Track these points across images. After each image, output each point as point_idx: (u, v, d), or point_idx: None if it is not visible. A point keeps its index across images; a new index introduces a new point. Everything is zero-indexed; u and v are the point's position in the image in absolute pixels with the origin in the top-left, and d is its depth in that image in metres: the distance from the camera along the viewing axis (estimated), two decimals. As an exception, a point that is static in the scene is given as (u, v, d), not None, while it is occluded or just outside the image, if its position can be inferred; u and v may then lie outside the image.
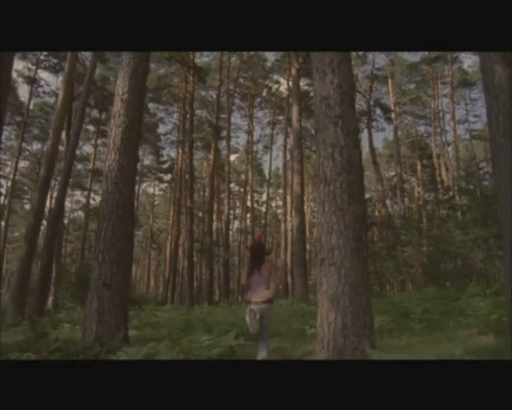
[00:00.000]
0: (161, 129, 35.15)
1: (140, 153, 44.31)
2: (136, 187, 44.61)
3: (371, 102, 29.25)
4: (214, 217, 34.59)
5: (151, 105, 33.41)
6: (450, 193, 18.02)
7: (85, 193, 34.49)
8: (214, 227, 35.69)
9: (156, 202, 53.62)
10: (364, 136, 33.22)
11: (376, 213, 44.69)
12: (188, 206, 21.64)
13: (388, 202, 37.62)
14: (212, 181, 26.98)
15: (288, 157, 34.70)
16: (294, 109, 18.73)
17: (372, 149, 30.18)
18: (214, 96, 31.55)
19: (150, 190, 52.04)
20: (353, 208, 3.25)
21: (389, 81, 34.15)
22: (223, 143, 34.98)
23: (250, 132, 39.02)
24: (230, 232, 44.70)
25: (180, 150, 30.84)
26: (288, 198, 32.93)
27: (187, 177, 25.37)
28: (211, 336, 3.85)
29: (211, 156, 28.28)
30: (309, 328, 5.53)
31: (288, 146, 34.61)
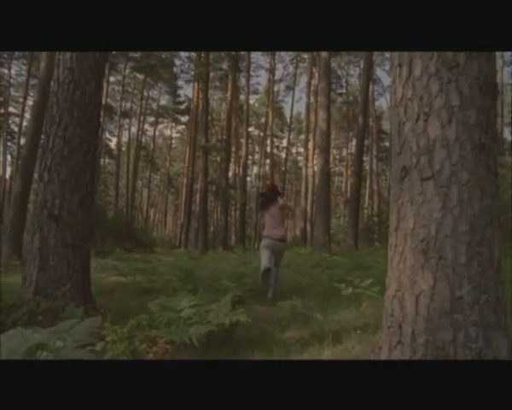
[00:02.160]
0: (177, 68, 32.80)
1: (155, 92, 42.42)
2: (152, 128, 43.18)
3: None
4: (232, 161, 32.98)
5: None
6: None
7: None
8: (232, 172, 34.18)
9: (174, 146, 52.21)
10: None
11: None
12: (202, 144, 19.97)
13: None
14: (230, 119, 25.03)
15: (312, 99, 32.27)
16: (323, 35, 16.34)
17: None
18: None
19: (167, 133, 50.48)
20: (478, 66, 1.59)
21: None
22: (242, 82, 32.62)
23: (272, 70, 36.33)
24: (249, 178, 43.21)
25: (196, 86, 28.65)
26: (310, 144, 30.87)
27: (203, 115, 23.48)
28: (194, 300, 2.37)
29: (229, 93, 26.11)
30: (345, 286, 3.97)
31: (312, 87, 32.06)
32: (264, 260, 4.61)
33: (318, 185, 15.17)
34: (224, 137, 26.26)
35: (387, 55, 37.54)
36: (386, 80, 39.41)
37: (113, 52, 31.14)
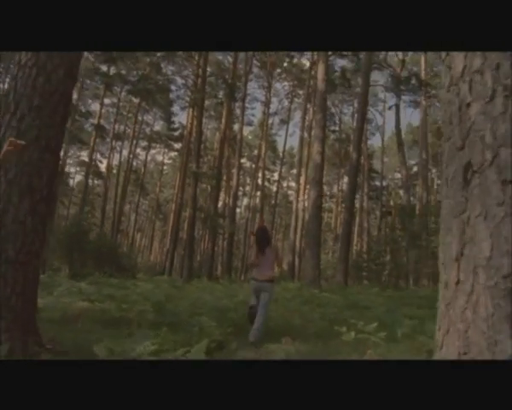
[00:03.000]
0: (173, 94, 32.71)
1: (150, 117, 42.31)
2: (144, 153, 42.78)
3: (402, 75, 26.51)
4: (222, 191, 32.52)
5: (163, 65, 31.07)
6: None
7: (89, 151, 32.48)
8: (221, 202, 33.68)
9: (165, 172, 51.77)
10: (389, 117, 30.85)
11: (392, 202, 42.34)
12: (193, 170, 19.49)
13: (402, 193, 35.17)
14: (222, 148, 24.72)
15: (306, 134, 32.41)
16: (320, 68, 16.33)
17: (398, 129, 27.59)
18: (231, 60, 29.05)
19: (159, 158, 50.14)
20: None
21: (422, 59, 31.16)
22: (237, 112, 32.70)
23: (267, 104, 36.62)
24: (238, 210, 42.66)
25: (190, 113, 28.50)
26: (302, 179, 30.68)
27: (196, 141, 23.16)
28: (155, 344, 1.74)
29: (223, 121, 25.94)
30: (347, 330, 3.33)
31: (307, 123, 32.25)
32: (251, 299, 4.71)
33: (309, 218, 14.68)
34: (216, 165, 25.88)
35: (381, 95, 38.26)
36: (378, 120, 39.98)
37: (111, 74, 31.05)
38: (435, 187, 40.73)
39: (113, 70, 31.58)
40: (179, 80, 31.62)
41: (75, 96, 31.72)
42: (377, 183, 41.90)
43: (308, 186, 28.44)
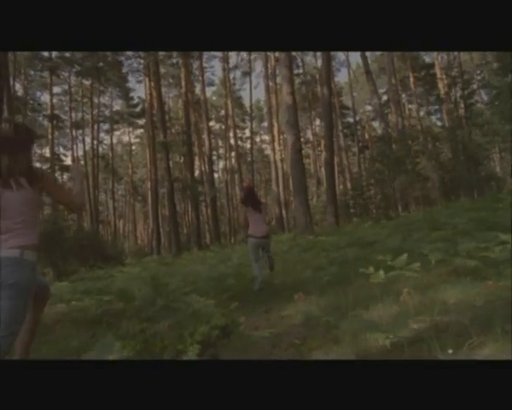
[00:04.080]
0: (125, 67, 30.59)
1: (107, 98, 39.95)
2: (109, 136, 40.68)
3: None
4: (197, 159, 31.38)
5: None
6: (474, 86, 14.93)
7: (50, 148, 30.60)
8: (198, 171, 32.63)
9: (134, 152, 49.81)
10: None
11: (367, 136, 41.90)
12: (161, 141, 18.36)
13: (376, 124, 34.53)
14: (187, 112, 23.42)
15: (271, 83, 31.18)
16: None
17: (364, 56, 26.50)
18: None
19: (125, 139, 48.00)
20: None
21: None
22: (196, 74, 31.06)
23: (225, 59, 34.87)
24: (216, 174, 41.58)
25: (148, 83, 26.79)
26: (275, 130, 29.76)
27: (158, 112, 21.76)
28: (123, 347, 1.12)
29: (183, 84, 24.47)
30: (373, 269, 2.70)
31: (270, 71, 30.91)
32: (256, 271, 4.83)
33: (292, 165, 13.98)
34: (185, 132, 24.59)
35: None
36: (341, 55, 38.69)
37: (53, 58, 28.71)
38: (407, 112, 40.37)
39: (55, 53, 29.25)
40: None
41: (21, 90, 29.49)
42: (350, 119, 41.31)
43: (283, 135, 27.63)
